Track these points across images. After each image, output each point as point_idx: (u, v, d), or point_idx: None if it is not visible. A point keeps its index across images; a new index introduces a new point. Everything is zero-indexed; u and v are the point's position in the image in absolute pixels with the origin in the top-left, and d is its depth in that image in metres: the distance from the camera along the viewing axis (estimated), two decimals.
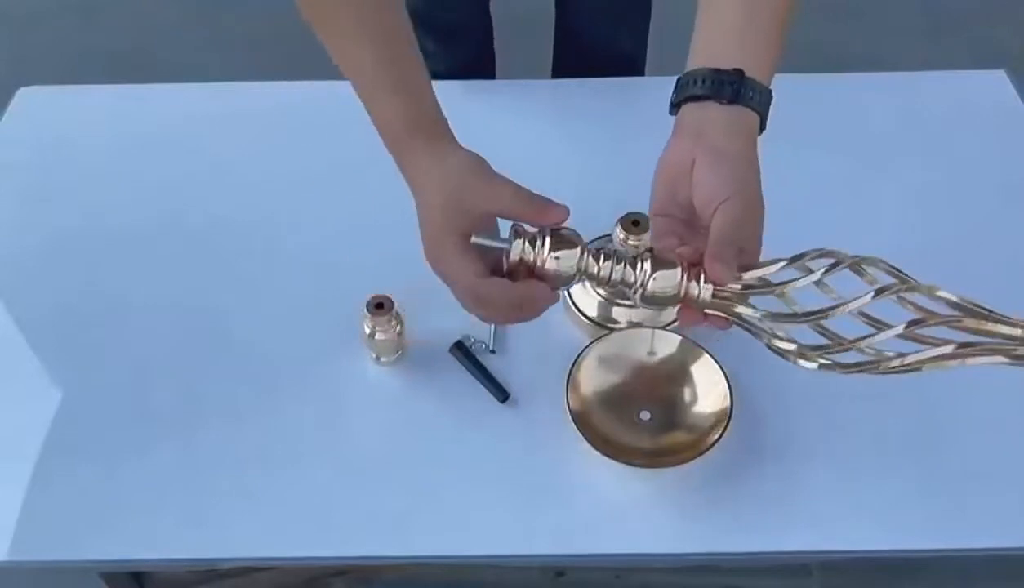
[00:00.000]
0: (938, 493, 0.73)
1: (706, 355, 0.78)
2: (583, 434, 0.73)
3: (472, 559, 0.73)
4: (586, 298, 0.84)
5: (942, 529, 0.72)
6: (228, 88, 1.09)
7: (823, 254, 0.57)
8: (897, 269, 0.56)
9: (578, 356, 0.78)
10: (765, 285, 0.57)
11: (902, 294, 0.55)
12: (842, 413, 0.78)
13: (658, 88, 1.12)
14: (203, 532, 0.72)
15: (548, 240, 0.58)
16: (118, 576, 0.91)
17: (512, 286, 0.60)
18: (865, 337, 0.55)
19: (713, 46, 0.62)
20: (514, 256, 0.58)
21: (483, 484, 0.75)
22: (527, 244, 0.58)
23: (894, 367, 0.55)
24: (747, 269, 0.57)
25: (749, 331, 0.57)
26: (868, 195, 0.95)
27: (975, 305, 0.56)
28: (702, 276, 0.57)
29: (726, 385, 0.76)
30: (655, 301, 0.58)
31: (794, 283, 0.56)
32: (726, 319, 0.58)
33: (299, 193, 0.98)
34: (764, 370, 0.81)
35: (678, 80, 0.63)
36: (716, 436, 0.73)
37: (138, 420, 0.79)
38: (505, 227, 0.61)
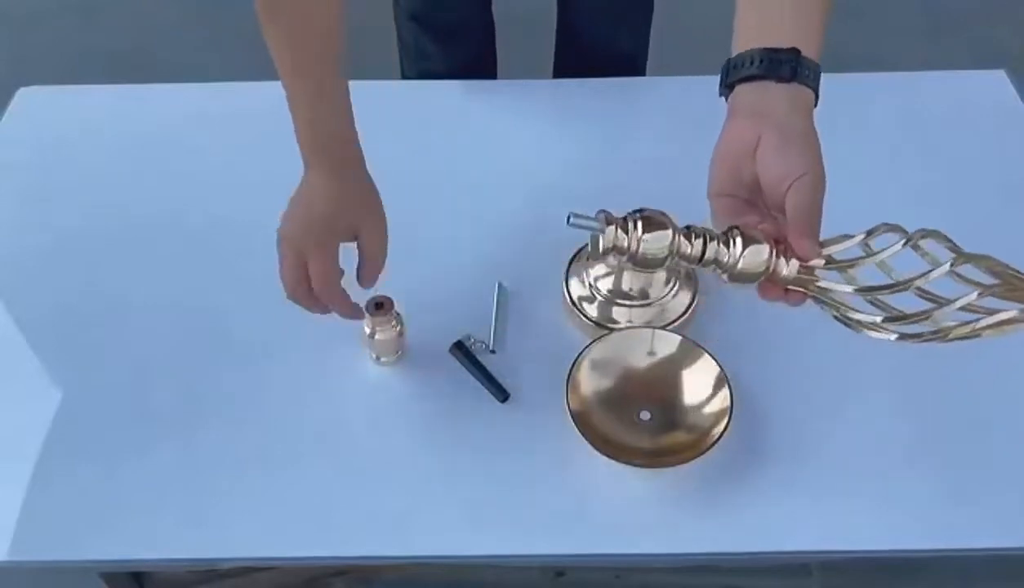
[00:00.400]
0: (938, 493, 0.73)
1: (706, 355, 0.78)
2: (583, 434, 0.73)
3: (472, 559, 0.73)
4: (586, 298, 0.84)
5: (942, 529, 0.72)
6: (228, 88, 1.09)
7: (889, 228, 0.59)
8: (953, 242, 0.58)
9: (578, 356, 0.78)
10: (840, 262, 0.58)
11: (956, 268, 0.56)
12: (842, 413, 0.78)
13: (659, 88, 1.13)
14: (203, 532, 0.72)
15: (640, 223, 0.58)
16: (118, 576, 0.91)
17: (349, 307, 0.74)
18: (942, 306, 0.56)
19: (762, 26, 0.63)
20: (607, 243, 0.58)
21: (483, 484, 0.75)
22: (619, 230, 0.58)
23: (962, 334, 0.56)
24: (824, 245, 0.59)
25: (823, 304, 0.58)
26: (868, 195, 0.94)
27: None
28: (787, 252, 0.58)
29: (726, 385, 0.76)
30: (744, 278, 0.58)
31: (881, 254, 0.58)
32: (804, 294, 0.59)
33: None
34: (764, 370, 0.81)
35: (728, 62, 0.64)
36: (716, 436, 0.73)
37: (138, 420, 0.79)
38: None
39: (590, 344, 0.79)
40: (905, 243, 0.57)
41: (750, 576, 1.05)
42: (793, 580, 1.06)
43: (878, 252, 0.58)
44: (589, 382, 0.78)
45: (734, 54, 0.64)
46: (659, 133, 1.02)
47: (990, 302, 0.56)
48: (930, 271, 0.56)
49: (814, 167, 0.59)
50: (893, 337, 0.56)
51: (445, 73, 1.21)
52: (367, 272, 0.73)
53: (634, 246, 0.58)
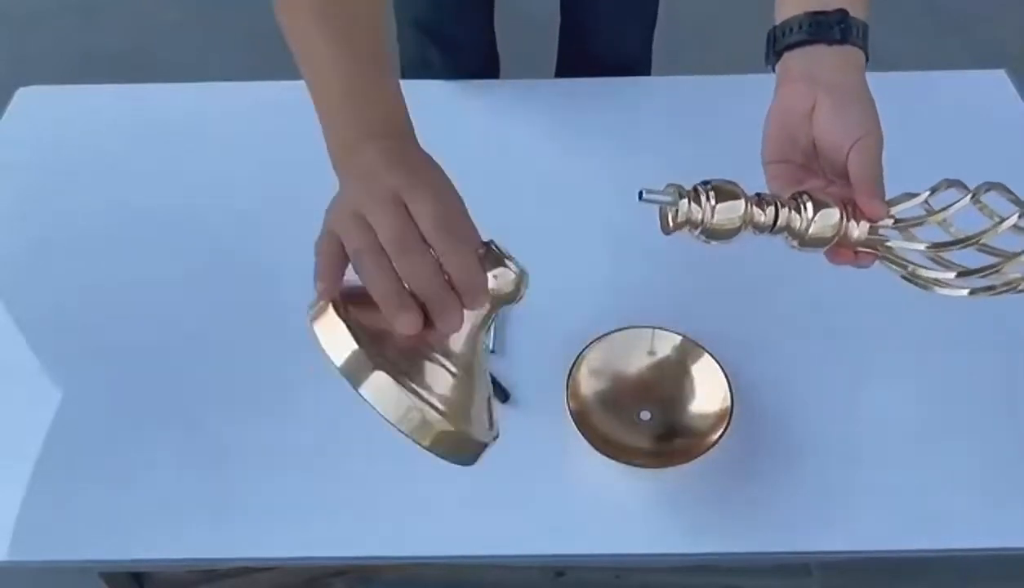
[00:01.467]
0: (938, 493, 0.73)
1: (706, 355, 0.78)
2: (583, 434, 0.73)
3: (472, 559, 0.73)
4: None
5: (942, 529, 0.72)
6: (228, 88, 1.09)
7: (951, 184, 0.60)
8: (1015, 194, 0.59)
9: (578, 356, 0.78)
10: (907, 221, 0.58)
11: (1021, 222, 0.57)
12: (842, 413, 0.78)
13: (663, 88, 1.13)
14: (203, 532, 0.72)
15: (712, 194, 0.57)
16: (118, 576, 0.91)
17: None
18: (1010, 258, 0.56)
19: None
20: (680, 216, 0.57)
21: (483, 484, 0.75)
22: (692, 203, 0.57)
23: None
24: (891, 205, 0.59)
25: (893, 264, 0.58)
26: None
27: None
28: (857, 214, 0.58)
29: (726, 385, 0.76)
30: (816, 242, 0.58)
31: (952, 208, 0.58)
32: (874, 255, 0.59)
33: (299, 193, 0.97)
34: (765, 370, 0.81)
35: (772, 30, 0.64)
36: (716, 436, 0.73)
37: (138, 420, 0.79)
38: None
39: (590, 344, 0.79)
40: (971, 197, 0.58)
41: (750, 576, 1.05)
42: (793, 580, 1.06)
43: (942, 209, 0.58)
44: (589, 382, 0.78)
45: (778, 21, 0.63)
46: (663, 132, 1.02)
47: None
48: (999, 223, 0.56)
49: (874, 127, 0.60)
50: (965, 292, 0.56)
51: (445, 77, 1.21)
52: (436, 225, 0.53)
53: (708, 217, 0.56)
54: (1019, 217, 0.56)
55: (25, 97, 1.09)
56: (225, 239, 0.93)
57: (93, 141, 1.03)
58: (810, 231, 0.57)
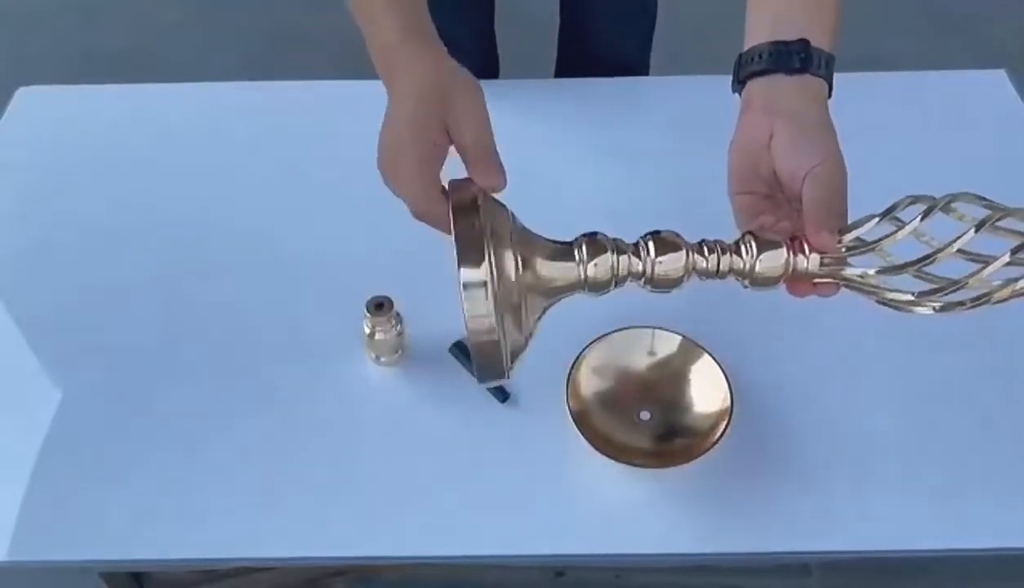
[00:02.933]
0: (938, 493, 0.73)
1: (706, 355, 0.78)
2: (583, 434, 0.73)
3: (472, 559, 0.73)
4: None
5: (942, 529, 0.72)
6: (228, 88, 1.09)
7: (914, 201, 0.57)
8: (987, 199, 0.56)
9: (578, 356, 0.78)
10: (865, 244, 0.57)
11: (998, 224, 0.55)
12: (842, 413, 0.78)
13: (662, 89, 1.13)
14: (203, 532, 0.72)
15: (652, 245, 0.57)
16: (118, 576, 0.91)
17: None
18: (975, 273, 0.54)
19: (772, 19, 0.63)
20: (622, 270, 0.57)
21: (483, 484, 0.75)
22: (632, 257, 0.56)
23: (1006, 296, 0.55)
24: (844, 232, 0.58)
25: (859, 291, 0.58)
26: (867, 195, 0.94)
27: None
28: (805, 247, 0.57)
29: (726, 385, 0.76)
30: (766, 282, 0.57)
31: (894, 236, 0.56)
32: (835, 284, 0.58)
33: (299, 193, 0.98)
34: (764, 370, 0.81)
35: (738, 58, 0.64)
36: (716, 436, 0.73)
37: (138, 420, 0.79)
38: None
39: (590, 344, 0.79)
40: (926, 212, 0.56)
41: (750, 576, 1.05)
42: (793, 580, 1.06)
43: (899, 228, 0.57)
44: (589, 382, 0.78)
45: (745, 49, 0.64)
46: (662, 133, 1.02)
47: None
48: (957, 238, 0.54)
49: (829, 157, 0.59)
50: (930, 311, 0.56)
51: None
52: (475, 164, 0.59)
53: (650, 269, 0.56)
54: (975, 232, 0.54)
55: (25, 97, 1.09)
56: (225, 239, 0.93)
57: (93, 141, 1.03)
58: (756, 271, 0.57)
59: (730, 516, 0.73)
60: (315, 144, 1.02)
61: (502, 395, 0.79)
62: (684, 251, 0.56)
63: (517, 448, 0.77)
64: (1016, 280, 0.55)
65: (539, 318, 0.58)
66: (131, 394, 0.81)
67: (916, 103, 1.05)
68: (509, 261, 0.53)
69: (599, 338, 0.79)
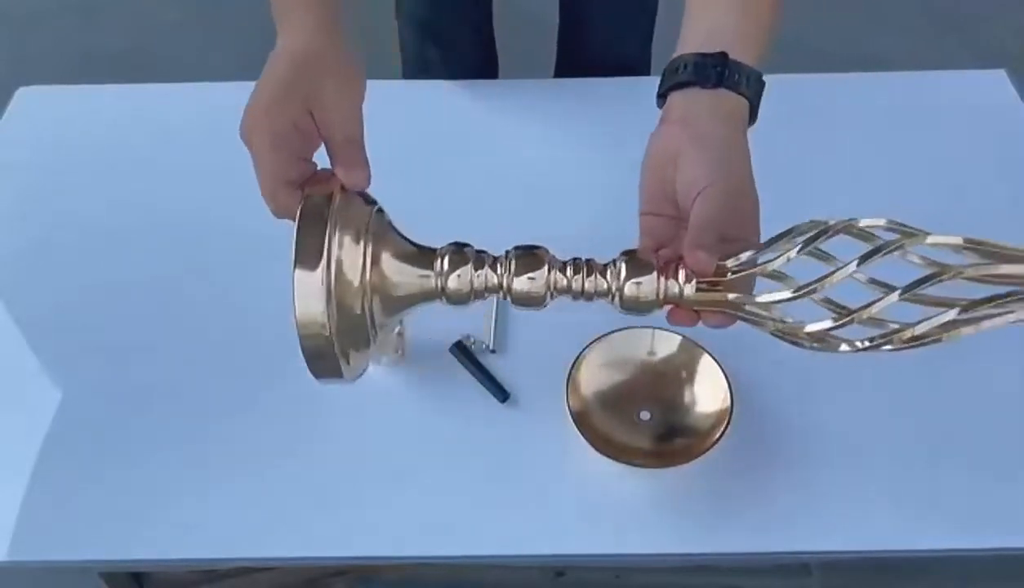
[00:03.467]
0: (938, 493, 0.73)
1: (706, 355, 0.78)
2: (583, 434, 0.73)
3: (472, 559, 0.73)
4: None
5: (942, 529, 0.72)
6: (228, 88, 1.09)
7: (815, 226, 0.51)
8: (902, 225, 0.50)
9: (578, 356, 0.78)
10: (751, 266, 0.52)
11: (907, 251, 0.49)
12: (842, 413, 0.78)
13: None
14: (203, 532, 0.72)
15: (513, 263, 0.54)
16: (118, 576, 0.91)
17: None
18: (866, 306, 0.48)
19: (700, 32, 0.60)
20: (478, 284, 0.54)
21: (483, 484, 0.75)
22: (489, 270, 0.54)
23: (907, 339, 0.49)
24: (730, 257, 0.53)
25: (752, 323, 0.53)
26: (867, 195, 0.95)
27: (981, 244, 0.49)
28: (682, 272, 0.53)
29: (726, 385, 0.76)
30: (636, 307, 0.54)
31: (775, 261, 0.51)
32: (722, 314, 0.53)
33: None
34: (764, 370, 0.81)
35: (664, 69, 0.61)
36: (716, 436, 0.73)
37: (138, 420, 0.79)
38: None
39: (590, 344, 0.79)
40: (811, 239, 0.50)
41: (750, 576, 1.05)
42: (793, 580, 1.06)
43: (774, 258, 0.51)
44: (589, 382, 0.78)
45: (670, 60, 0.61)
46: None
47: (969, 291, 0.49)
48: (833, 272, 0.49)
49: (725, 178, 0.54)
50: (816, 346, 0.51)
51: (445, 77, 1.21)
52: (336, 156, 0.56)
53: (507, 285, 0.54)
54: (859, 264, 0.48)
55: (25, 97, 1.09)
56: (225, 238, 0.93)
57: (93, 141, 1.03)
58: (626, 294, 0.53)
59: (730, 516, 0.73)
60: None
61: (502, 395, 0.79)
62: (545, 269, 0.54)
63: (517, 448, 0.77)
64: (915, 323, 0.49)
65: (393, 321, 0.57)
66: (131, 394, 0.81)
67: (916, 103, 1.05)
68: (355, 261, 0.52)
69: (599, 338, 0.79)
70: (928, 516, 0.72)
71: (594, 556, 0.73)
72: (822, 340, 0.51)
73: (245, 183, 1.06)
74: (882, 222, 0.50)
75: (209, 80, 1.10)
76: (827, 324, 0.50)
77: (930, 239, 0.48)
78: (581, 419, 0.75)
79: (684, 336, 0.79)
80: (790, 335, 0.51)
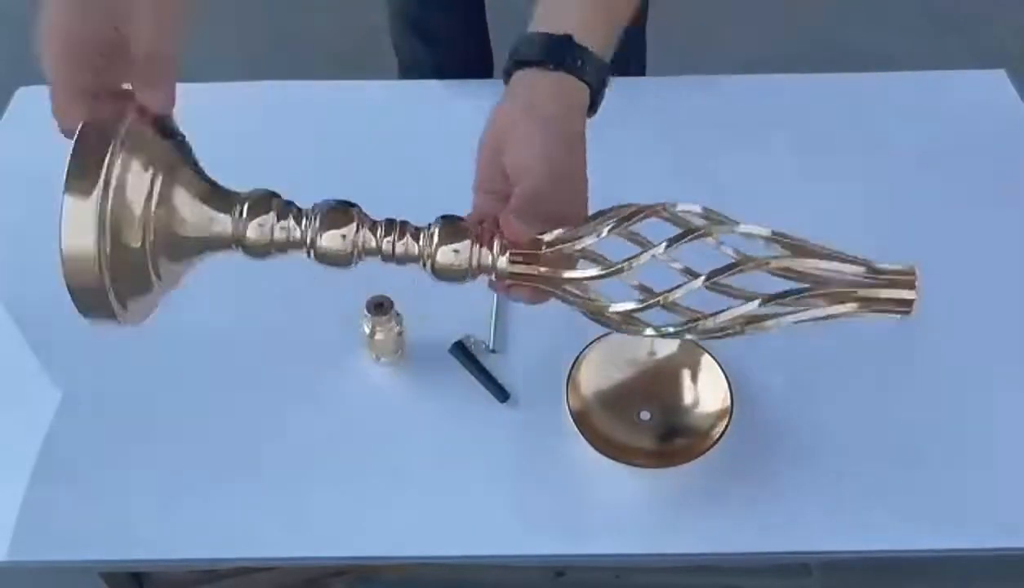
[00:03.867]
0: (938, 493, 0.73)
1: (706, 355, 0.78)
2: (583, 434, 0.73)
3: (472, 559, 0.73)
4: None
5: (942, 529, 0.72)
6: (228, 88, 1.09)
7: (629, 207, 0.52)
8: (716, 212, 0.50)
9: (578, 356, 0.78)
10: (566, 243, 0.51)
11: (717, 238, 0.50)
12: (842, 413, 0.78)
13: (658, 89, 1.13)
14: (203, 532, 0.72)
15: (319, 217, 0.51)
16: (118, 576, 0.91)
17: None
18: (670, 290, 0.50)
19: (550, 10, 0.60)
20: (279, 236, 0.52)
21: (483, 484, 0.75)
22: (294, 221, 0.52)
23: (708, 329, 0.50)
24: (550, 236, 0.52)
25: (565, 301, 0.53)
26: (867, 194, 0.95)
27: (790, 239, 0.50)
28: (497, 242, 0.52)
29: (726, 385, 0.76)
30: (447, 274, 0.53)
31: (587, 239, 0.51)
32: (533, 289, 0.53)
33: (299, 193, 0.97)
34: (764, 370, 0.81)
35: (513, 45, 0.60)
36: (716, 436, 0.73)
37: (138, 420, 0.79)
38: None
39: (590, 344, 0.79)
40: (622, 221, 0.51)
41: (750, 576, 1.05)
42: (793, 580, 1.06)
43: (602, 229, 0.52)
44: (589, 382, 0.78)
45: (518, 37, 0.60)
46: (659, 133, 1.02)
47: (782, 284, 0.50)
48: (640, 253, 0.50)
49: (550, 158, 0.55)
50: (626, 327, 0.52)
51: (438, 78, 1.21)
52: (136, 72, 0.49)
53: (309, 240, 0.52)
54: (666, 248, 0.50)
55: (25, 97, 1.09)
56: None
57: None
58: (438, 261, 0.52)
59: (730, 516, 0.73)
60: (314, 144, 1.02)
61: (502, 395, 0.79)
62: (354, 226, 0.52)
63: (517, 448, 0.77)
64: (718, 312, 0.50)
65: (179, 269, 0.54)
66: (131, 394, 0.81)
67: (916, 103, 1.05)
68: (139, 191, 0.46)
69: (599, 338, 0.79)
70: (928, 516, 0.72)
71: (594, 556, 0.73)
72: (629, 322, 0.51)
73: (245, 182, 1.06)
74: (698, 208, 0.51)
75: (209, 80, 1.10)
76: (631, 305, 0.51)
77: (741, 228, 0.49)
78: (581, 419, 0.75)
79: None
80: (597, 314, 0.52)
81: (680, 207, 0.51)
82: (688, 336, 0.51)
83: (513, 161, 0.55)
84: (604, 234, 0.51)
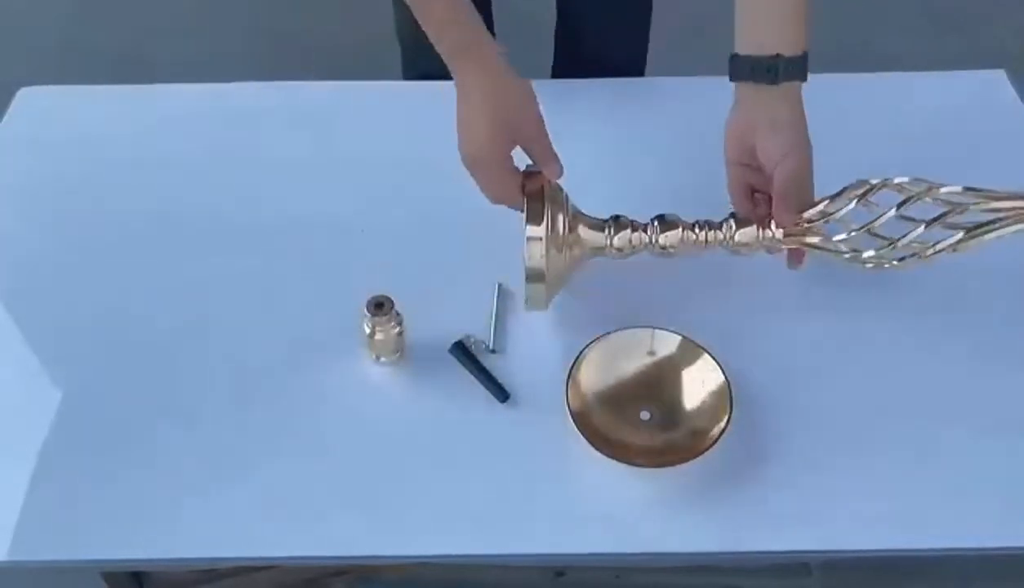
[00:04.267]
0: (938, 493, 0.73)
1: (706, 355, 0.78)
2: (583, 434, 0.73)
3: (472, 559, 0.73)
4: None
5: (942, 529, 0.72)
6: (228, 88, 1.09)
7: (861, 184, 0.77)
8: (917, 179, 0.76)
9: (578, 356, 0.78)
10: (822, 216, 0.77)
11: (924, 197, 0.74)
12: (842, 413, 0.78)
13: (658, 88, 1.13)
14: (203, 532, 0.72)
15: (658, 224, 0.80)
16: (118, 576, 0.91)
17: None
18: (904, 236, 0.74)
19: (753, 34, 0.79)
20: (636, 241, 0.80)
21: (483, 484, 0.75)
22: (642, 232, 0.80)
23: (930, 254, 0.74)
24: (805, 209, 0.78)
25: (823, 250, 0.78)
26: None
27: (979, 190, 0.75)
28: (773, 225, 0.78)
29: (726, 385, 0.76)
30: (744, 250, 0.80)
31: (839, 212, 0.76)
32: (799, 250, 0.80)
33: (299, 193, 0.98)
34: (764, 370, 0.81)
35: (731, 61, 0.80)
36: (716, 436, 0.73)
37: (138, 420, 0.79)
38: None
39: (590, 344, 0.79)
40: (863, 195, 0.76)
41: (750, 576, 1.05)
42: (793, 580, 1.06)
43: (849, 203, 0.77)
44: (589, 382, 0.78)
45: (733, 56, 0.80)
46: (660, 133, 1.02)
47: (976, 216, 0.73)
48: (876, 219, 0.75)
49: (796, 149, 0.77)
50: (871, 265, 0.76)
51: (446, 75, 1.21)
52: (538, 159, 0.79)
53: (655, 241, 0.80)
54: (897, 211, 0.74)
55: (25, 97, 1.09)
56: (226, 238, 0.93)
57: (93, 141, 1.03)
58: (736, 239, 0.79)
59: (730, 516, 0.73)
60: (315, 144, 1.02)
61: (502, 395, 0.79)
62: (680, 228, 0.80)
63: (517, 448, 0.77)
64: (937, 242, 0.73)
65: (575, 268, 0.81)
66: (131, 394, 0.81)
67: (916, 103, 1.05)
68: (561, 224, 0.76)
69: (599, 338, 0.79)
70: (928, 516, 0.72)
71: (594, 556, 0.73)
72: (875, 261, 0.76)
73: (245, 183, 1.07)
74: (907, 179, 0.76)
75: (210, 80, 1.10)
76: (872, 252, 0.76)
77: (943, 189, 0.75)
78: (581, 419, 0.75)
79: (684, 336, 0.79)
80: (852, 261, 0.76)
81: (897, 180, 0.76)
82: (917, 261, 0.75)
83: (765, 157, 0.77)
84: (852, 205, 0.76)
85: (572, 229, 0.78)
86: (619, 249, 0.79)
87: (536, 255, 0.75)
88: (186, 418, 0.79)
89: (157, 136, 1.04)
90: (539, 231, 0.75)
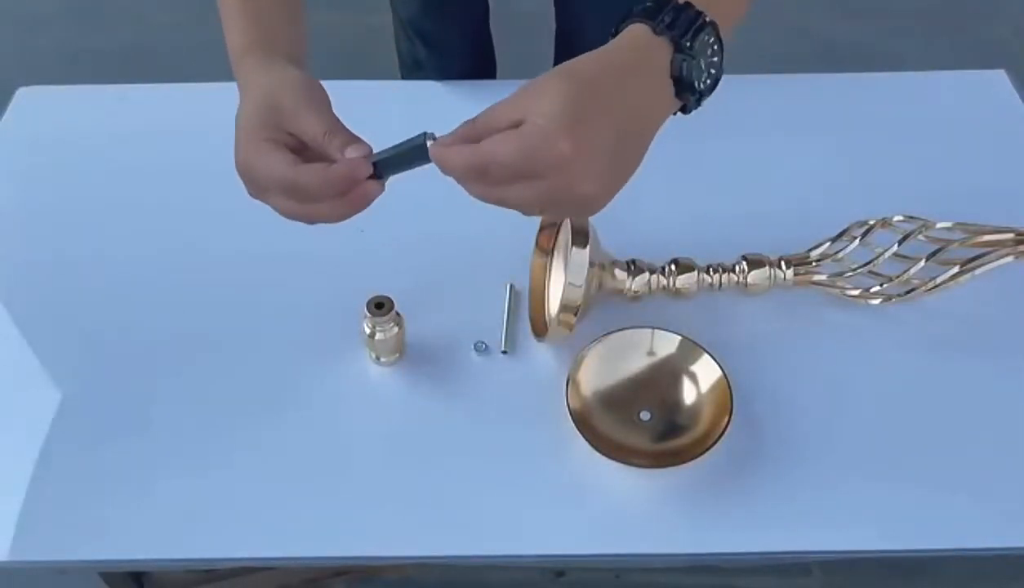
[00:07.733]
0: (938, 493, 0.73)
1: (706, 355, 0.78)
2: (583, 434, 0.73)
3: (472, 559, 0.73)
4: None
5: (942, 529, 0.72)
6: (228, 88, 1.09)
7: (861, 225, 0.82)
8: (911, 217, 0.82)
9: (578, 356, 0.78)
10: (829, 255, 0.83)
11: (921, 235, 0.80)
12: (842, 413, 0.78)
13: None
14: (203, 532, 0.72)
15: (675, 266, 0.82)
16: (118, 576, 0.91)
17: (331, 168, 0.58)
18: (903, 273, 0.80)
19: None
20: (655, 284, 0.82)
21: (483, 484, 0.75)
22: (659, 275, 0.81)
23: (929, 289, 0.80)
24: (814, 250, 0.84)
25: (831, 289, 0.82)
26: (867, 194, 0.95)
27: (967, 225, 0.83)
28: (783, 264, 0.82)
29: (726, 385, 0.76)
30: (755, 290, 0.83)
31: (842, 252, 0.82)
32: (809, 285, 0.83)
33: None
34: (764, 370, 0.81)
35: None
36: (716, 436, 0.73)
37: (137, 420, 0.79)
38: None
39: (590, 344, 0.79)
40: (863, 236, 0.82)
41: (750, 576, 1.05)
42: (793, 580, 1.06)
43: (851, 243, 0.83)
44: (589, 382, 0.78)
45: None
46: (658, 134, 1.02)
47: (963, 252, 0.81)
48: (876, 258, 0.81)
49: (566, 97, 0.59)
50: (877, 301, 0.82)
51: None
52: (329, 146, 0.61)
53: (672, 285, 0.82)
54: (897, 247, 0.80)
55: (25, 97, 1.09)
56: (226, 238, 0.93)
57: (93, 141, 1.03)
58: (749, 282, 0.82)
59: (730, 516, 0.73)
60: None
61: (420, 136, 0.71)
62: (696, 272, 0.82)
63: (517, 448, 0.77)
64: (934, 278, 0.80)
65: (589, 301, 0.79)
66: (131, 394, 0.81)
67: (916, 103, 1.05)
68: (586, 262, 0.74)
69: (599, 338, 0.79)
70: (928, 516, 0.72)
71: (594, 556, 0.73)
72: (872, 297, 0.82)
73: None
74: (901, 217, 0.83)
75: (209, 80, 1.10)
76: (877, 288, 0.82)
77: (937, 225, 0.82)
78: (581, 419, 0.75)
79: (684, 336, 0.79)
80: (854, 299, 0.82)
81: (894, 218, 0.82)
82: (923, 292, 0.81)
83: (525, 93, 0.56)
84: (855, 245, 0.81)
85: (604, 267, 0.79)
86: (636, 292, 0.81)
87: (579, 280, 0.74)
88: (185, 418, 0.79)
89: (157, 136, 1.03)
90: (585, 254, 0.73)
